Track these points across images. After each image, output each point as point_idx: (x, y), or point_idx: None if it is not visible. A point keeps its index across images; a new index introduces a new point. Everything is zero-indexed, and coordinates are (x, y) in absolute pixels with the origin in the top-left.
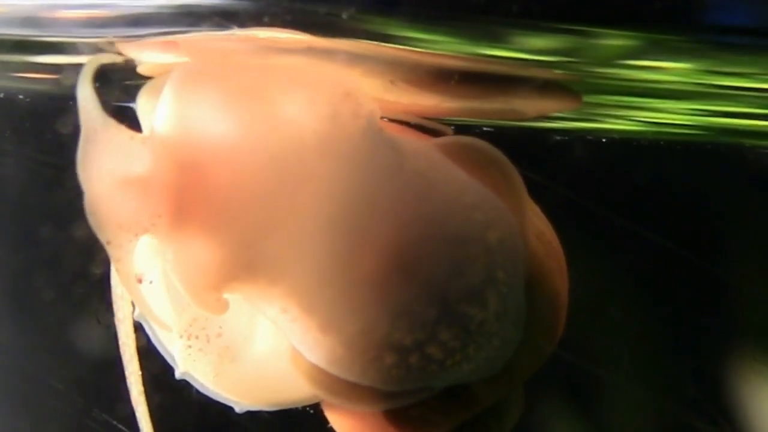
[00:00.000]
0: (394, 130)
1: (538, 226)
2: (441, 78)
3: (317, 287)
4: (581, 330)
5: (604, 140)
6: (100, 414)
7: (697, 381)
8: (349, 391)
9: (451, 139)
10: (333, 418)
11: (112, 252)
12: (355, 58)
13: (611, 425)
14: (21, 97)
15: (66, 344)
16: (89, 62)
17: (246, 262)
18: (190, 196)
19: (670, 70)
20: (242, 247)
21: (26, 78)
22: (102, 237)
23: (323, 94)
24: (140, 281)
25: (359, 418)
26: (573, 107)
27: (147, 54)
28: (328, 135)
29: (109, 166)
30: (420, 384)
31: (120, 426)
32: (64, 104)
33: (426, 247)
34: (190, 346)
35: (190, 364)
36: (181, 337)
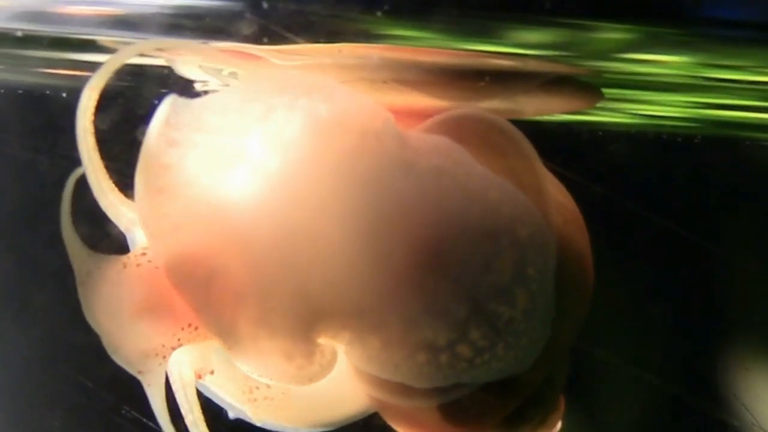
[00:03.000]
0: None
1: (554, 196)
2: (436, 76)
3: (360, 294)
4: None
5: (600, 133)
6: (130, 411)
7: (698, 376)
8: (404, 389)
9: (442, 116)
10: (396, 425)
11: (144, 379)
12: (354, 62)
13: (609, 419)
14: (44, 92)
15: (97, 342)
16: (64, 209)
17: (307, 308)
18: (217, 294)
19: (667, 63)
20: (299, 300)
21: (43, 73)
22: (131, 370)
23: (333, 109)
24: (200, 377)
25: (421, 424)
26: (589, 106)
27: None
28: (340, 150)
29: (113, 303)
30: (450, 382)
31: (150, 423)
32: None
33: (455, 244)
34: (255, 399)
35: (263, 414)
36: (244, 394)
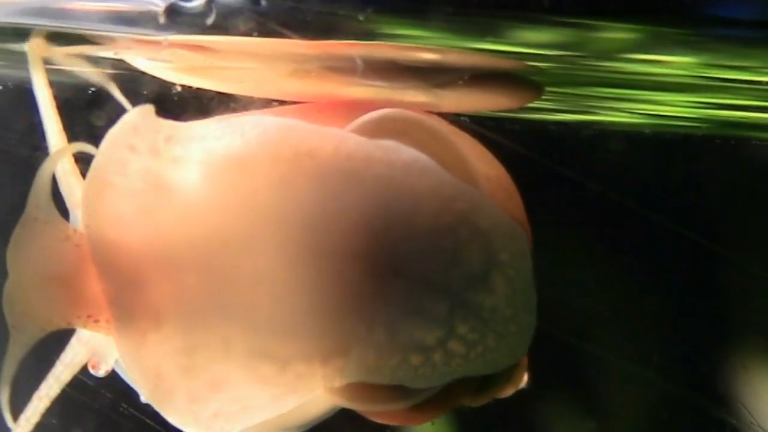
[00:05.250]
0: (313, 112)
1: (482, 172)
2: (358, 68)
3: (332, 329)
4: (580, 323)
5: (603, 133)
6: (128, 409)
7: (697, 375)
8: (380, 395)
9: (363, 119)
10: (369, 416)
11: (14, 334)
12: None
13: (609, 417)
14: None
15: None
16: (53, 157)
17: (259, 358)
18: (135, 302)
19: (672, 63)
20: (240, 346)
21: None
22: (8, 320)
23: (262, 140)
24: (94, 367)
25: (393, 415)
26: (527, 102)
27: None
28: (271, 179)
29: (37, 261)
30: (448, 379)
31: (148, 421)
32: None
33: (412, 245)
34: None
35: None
36: None
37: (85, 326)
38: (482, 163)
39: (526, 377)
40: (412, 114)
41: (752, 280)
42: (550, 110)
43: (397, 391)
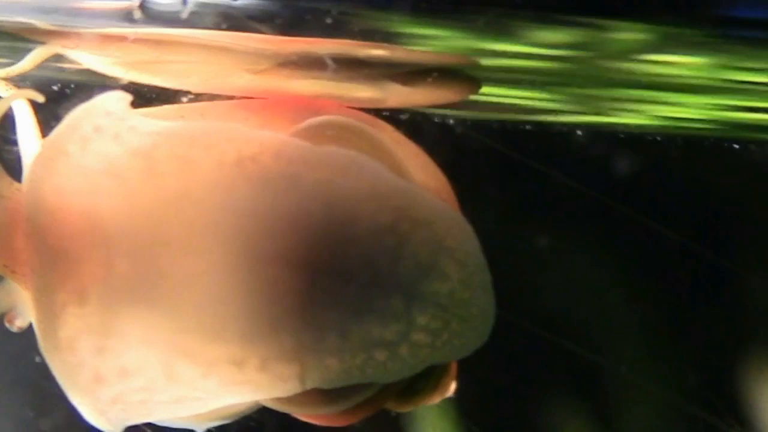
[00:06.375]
0: (256, 109)
1: (422, 182)
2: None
3: (260, 324)
4: (585, 324)
5: (617, 135)
6: None
7: (702, 374)
8: (312, 400)
9: (305, 125)
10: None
11: None
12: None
13: (616, 419)
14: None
15: None
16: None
17: (174, 354)
18: (59, 275)
19: (685, 64)
20: (182, 329)
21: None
22: None
23: (205, 141)
24: (10, 322)
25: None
26: (465, 96)
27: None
28: (222, 180)
29: None
30: (420, 369)
31: None
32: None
33: (354, 247)
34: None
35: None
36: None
37: (3, 273)
38: (423, 173)
39: (454, 386)
40: (353, 122)
41: (760, 285)
42: (560, 111)
43: (328, 396)
